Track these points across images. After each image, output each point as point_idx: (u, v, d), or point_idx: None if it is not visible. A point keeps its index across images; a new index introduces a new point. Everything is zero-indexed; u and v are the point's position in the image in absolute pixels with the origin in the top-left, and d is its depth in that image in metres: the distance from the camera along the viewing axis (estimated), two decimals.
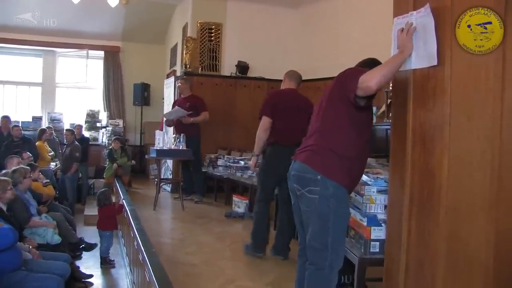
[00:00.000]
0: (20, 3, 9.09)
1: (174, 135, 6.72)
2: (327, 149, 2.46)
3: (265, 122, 4.10)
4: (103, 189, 5.73)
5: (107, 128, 10.38)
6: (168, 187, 7.73)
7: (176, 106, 6.72)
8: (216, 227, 5.41)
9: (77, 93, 11.14)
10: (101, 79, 10.83)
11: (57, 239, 4.58)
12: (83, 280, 4.54)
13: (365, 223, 2.69)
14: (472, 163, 2.07)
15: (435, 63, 2.15)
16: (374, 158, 3.53)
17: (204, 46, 8.15)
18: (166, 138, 6.75)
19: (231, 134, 7.77)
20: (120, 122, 10.49)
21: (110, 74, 10.79)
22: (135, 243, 4.03)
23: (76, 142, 7.94)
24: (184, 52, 7.98)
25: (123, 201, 5.70)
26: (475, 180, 2.06)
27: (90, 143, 9.37)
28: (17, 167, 4.78)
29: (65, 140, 8.41)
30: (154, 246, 3.82)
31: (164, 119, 7.23)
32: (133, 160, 8.86)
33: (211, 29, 8.22)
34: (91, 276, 4.64)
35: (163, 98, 8.99)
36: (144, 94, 10.47)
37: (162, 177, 7.16)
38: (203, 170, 7.14)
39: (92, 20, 9.75)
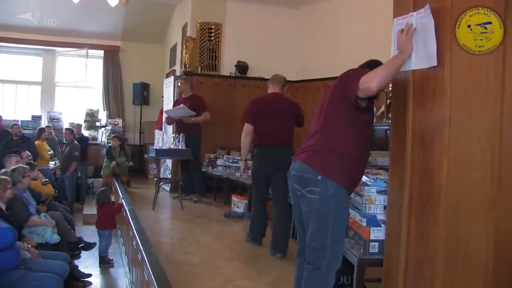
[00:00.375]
0: (20, 3, 9.09)
1: (174, 135, 6.72)
2: (327, 149, 2.46)
3: (246, 128, 4.40)
4: (102, 188, 5.73)
5: (107, 128, 10.38)
6: (167, 187, 7.73)
7: (182, 104, 6.69)
8: (215, 227, 5.41)
9: (77, 92, 11.14)
10: (101, 79, 10.83)
11: (56, 238, 4.58)
12: (82, 279, 4.53)
13: (364, 224, 2.69)
14: (471, 163, 2.08)
15: (435, 63, 2.15)
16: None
17: (204, 46, 8.15)
18: (165, 138, 6.75)
19: (230, 134, 7.75)
20: (120, 121, 10.49)
21: (109, 74, 10.78)
22: (134, 242, 4.03)
23: (76, 142, 7.93)
24: (184, 52, 7.98)
25: (122, 200, 5.69)
26: (474, 180, 2.07)
27: (89, 142, 9.35)
28: (17, 166, 4.78)
29: (64, 139, 8.40)
30: (153, 246, 3.81)
31: (164, 117, 7.23)
32: (131, 162, 8.85)
33: (211, 29, 8.22)
34: (90, 275, 4.63)
35: (162, 97, 8.99)
36: (144, 94, 10.47)
37: (161, 176, 7.16)
38: (202, 170, 7.14)
39: (92, 20, 9.75)
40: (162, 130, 7.84)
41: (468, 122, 2.08)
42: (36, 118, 10.08)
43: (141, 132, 10.54)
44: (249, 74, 8.07)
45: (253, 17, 8.35)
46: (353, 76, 2.38)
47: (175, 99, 7.61)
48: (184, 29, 8.62)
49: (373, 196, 2.70)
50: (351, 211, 2.90)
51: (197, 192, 6.90)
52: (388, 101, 4.98)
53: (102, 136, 10.48)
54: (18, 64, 10.73)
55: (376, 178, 2.73)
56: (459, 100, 2.10)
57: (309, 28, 8.32)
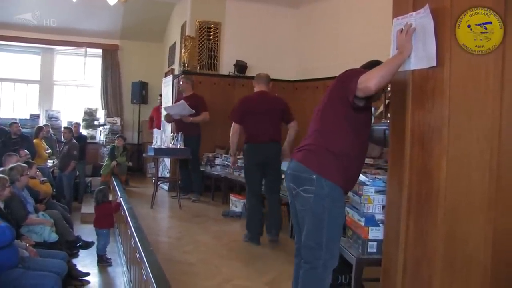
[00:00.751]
0: (20, 3, 9.07)
1: (172, 134, 6.72)
2: (323, 148, 2.47)
3: (234, 127, 4.73)
4: (101, 187, 5.71)
5: (105, 126, 10.37)
6: (165, 186, 7.73)
7: (182, 101, 6.68)
8: (213, 226, 5.41)
9: (75, 91, 11.12)
10: (99, 77, 10.81)
11: (54, 237, 4.57)
12: (80, 278, 4.53)
13: (363, 223, 2.70)
14: (470, 164, 2.08)
15: (434, 64, 2.15)
16: None
17: (203, 45, 8.14)
18: (164, 137, 6.75)
19: (229, 133, 7.76)
20: (118, 120, 10.48)
21: (108, 72, 10.77)
22: (132, 241, 4.03)
23: (74, 140, 7.91)
24: (183, 51, 7.97)
25: (121, 199, 5.69)
26: (473, 180, 2.07)
27: (88, 141, 9.34)
28: (15, 164, 4.77)
29: (63, 138, 8.39)
30: (151, 245, 3.81)
31: (163, 114, 7.21)
32: (130, 162, 8.85)
33: (210, 28, 8.22)
34: (88, 274, 4.63)
35: (160, 95, 8.98)
36: (142, 93, 10.46)
37: (159, 175, 7.15)
38: (201, 169, 7.13)
39: (90, 18, 9.73)
40: (151, 129, 7.86)
41: (467, 122, 2.08)
42: (34, 117, 10.08)
43: (139, 131, 10.53)
44: (248, 74, 8.05)
45: (252, 17, 8.34)
46: (352, 75, 2.38)
47: (174, 97, 7.60)
48: (183, 28, 8.62)
49: (372, 195, 2.71)
50: (350, 210, 2.91)
51: (196, 191, 6.90)
52: (387, 101, 4.99)
53: (100, 135, 10.48)
54: (17, 62, 10.70)
55: (375, 178, 2.74)
56: (458, 100, 2.10)
57: (309, 27, 8.32)
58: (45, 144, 8.29)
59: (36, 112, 10.39)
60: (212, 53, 8.21)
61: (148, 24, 10.09)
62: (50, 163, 8.14)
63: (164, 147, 6.47)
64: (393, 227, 2.41)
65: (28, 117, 9.93)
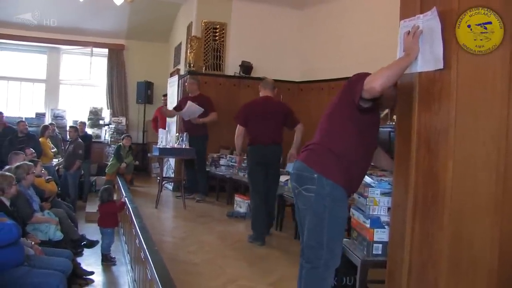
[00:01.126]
0: (21, 2, 9.11)
1: (177, 134, 6.73)
2: (326, 148, 2.50)
3: (238, 129, 4.94)
4: (106, 186, 5.74)
5: (110, 126, 10.41)
6: (170, 186, 7.74)
7: (190, 102, 6.66)
8: (217, 227, 5.42)
9: (81, 90, 11.17)
10: (105, 77, 10.85)
11: (59, 235, 4.60)
12: (84, 276, 4.56)
13: (368, 225, 2.69)
14: (477, 165, 2.07)
15: (441, 66, 2.14)
16: None
17: (208, 45, 8.16)
18: (169, 137, 6.76)
19: (234, 134, 7.77)
20: (123, 120, 10.51)
21: (113, 72, 10.81)
22: (137, 240, 4.04)
23: (79, 139, 7.94)
24: (188, 51, 7.98)
25: (125, 198, 5.70)
26: (480, 182, 2.06)
27: (93, 140, 9.38)
28: (21, 163, 4.79)
29: (68, 137, 8.42)
30: (156, 244, 3.82)
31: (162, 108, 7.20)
32: (136, 161, 8.89)
33: (216, 28, 8.23)
34: (92, 273, 4.65)
35: (163, 96, 9.00)
36: (148, 92, 10.49)
37: (164, 175, 7.16)
38: (206, 170, 7.14)
39: (96, 18, 9.77)
40: (156, 129, 7.87)
41: (474, 124, 2.08)
42: (40, 116, 10.13)
43: (144, 131, 10.56)
44: (253, 74, 8.07)
45: (258, 18, 8.35)
46: (359, 77, 2.39)
47: (179, 98, 7.61)
48: (189, 28, 8.64)
49: (377, 197, 2.70)
50: (355, 212, 2.91)
51: (201, 191, 6.90)
52: None
53: (105, 134, 10.51)
54: (23, 61, 10.75)
55: (381, 179, 2.74)
56: (465, 101, 2.09)
57: (314, 29, 8.32)
58: (50, 143, 8.32)
59: (42, 111, 10.45)
60: (218, 53, 8.23)
61: (154, 24, 10.11)
62: (55, 162, 8.18)
63: (169, 147, 6.49)
64: (399, 229, 2.40)
65: (34, 116, 9.98)
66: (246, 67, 8.08)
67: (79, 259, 4.90)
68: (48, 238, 4.48)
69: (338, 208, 2.48)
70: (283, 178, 5.36)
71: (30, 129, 8.18)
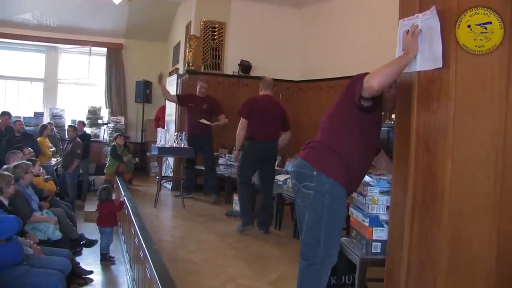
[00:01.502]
0: (21, 2, 9.09)
1: (176, 133, 6.73)
2: (326, 146, 2.51)
3: (242, 122, 5.11)
4: (104, 185, 5.73)
5: (109, 125, 10.40)
6: (168, 185, 7.74)
7: (204, 120, 6.77)
8: (216, 226, 5.42)
9: (79, 89, 11.16)
10: (103, 76, 10.85)
11: (58, 235, 4.59)
12: (84, 276, 4.55)
13: (367, 224, 2.70)
14: (475, 165, 2.08)
15: (440, 65, 2.15)
16: None
17: (207, 44, 8.16)
18: (167, 136, 6.76)
19: (232, 133, 7.72)
20: (122, 119, 10.51)
21: (112, 71, 10.80)
22: (136, 240, 4.04)
23: (78, 139, 7.92)
24: (187, 50, 7.98)
25: (124, 198, 5.69)
26: (478, 182, 2.07)
27: (92, 139, 9.36)
28: (19, 162, 4.78)
29: (66, 136, 8.41)
30: (155, 244, 3.82)
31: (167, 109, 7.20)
32: (136, 158, 8.88)
33: (215, 27, 8.23)
34: (91, 272, 4.64)
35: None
36: (146, 92, 10.48)
37: (163, 174, 7.16)
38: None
39: (95, 17, 9.77)
40: (157, 127, 7.88)
41: (472, 123, 2.08)
42: (38, 115, 10.11)
43: (143, 130, 10.56)
44: (252, 74, 8.07)
45: (257, 17, 8.35)
46: (359, 77, 2.40)
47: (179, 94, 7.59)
48: (187, 27, 8.63)
49: (376, 196, 2.71)
50: (354, 211, 2.91)
51: (214, 192, 6.88)
52: None
53: (104, 134, 10.50)
54: (21, 60, 10.73)
55: (380, 178, 2.75)
56: (464, 101, 2.10)
57: (313, 28, 8.33)
58: (49, 142, 8.30)
59: (40, 110, 10.43)
60: (217, 52, 8.23)
61: (152, 23, 10.11)
62: (53, 161, 8.16)
63: (168, 146, 6.49)
64: (397, 228, 2.40)
65: (32, 115, 9.96)
66: (245, 66, 8.09)
67: (78, 259, 4.88)
68: (47, 238, 4.47)
69: (337, 207, 2.49)
70: (281, 177, 5.38)
71: (28, 128, 8.17)
